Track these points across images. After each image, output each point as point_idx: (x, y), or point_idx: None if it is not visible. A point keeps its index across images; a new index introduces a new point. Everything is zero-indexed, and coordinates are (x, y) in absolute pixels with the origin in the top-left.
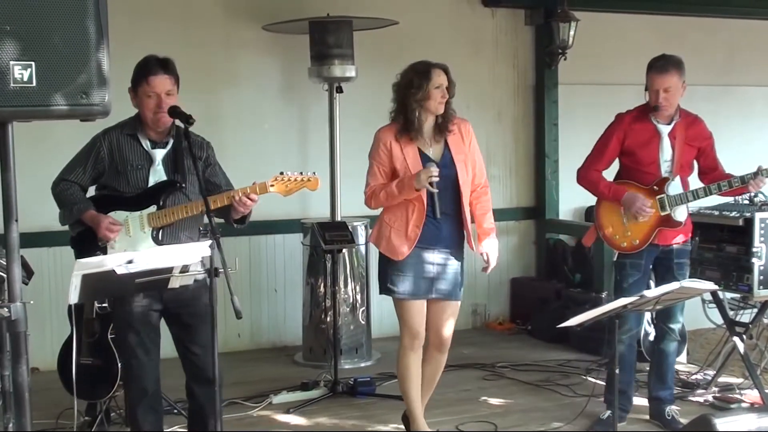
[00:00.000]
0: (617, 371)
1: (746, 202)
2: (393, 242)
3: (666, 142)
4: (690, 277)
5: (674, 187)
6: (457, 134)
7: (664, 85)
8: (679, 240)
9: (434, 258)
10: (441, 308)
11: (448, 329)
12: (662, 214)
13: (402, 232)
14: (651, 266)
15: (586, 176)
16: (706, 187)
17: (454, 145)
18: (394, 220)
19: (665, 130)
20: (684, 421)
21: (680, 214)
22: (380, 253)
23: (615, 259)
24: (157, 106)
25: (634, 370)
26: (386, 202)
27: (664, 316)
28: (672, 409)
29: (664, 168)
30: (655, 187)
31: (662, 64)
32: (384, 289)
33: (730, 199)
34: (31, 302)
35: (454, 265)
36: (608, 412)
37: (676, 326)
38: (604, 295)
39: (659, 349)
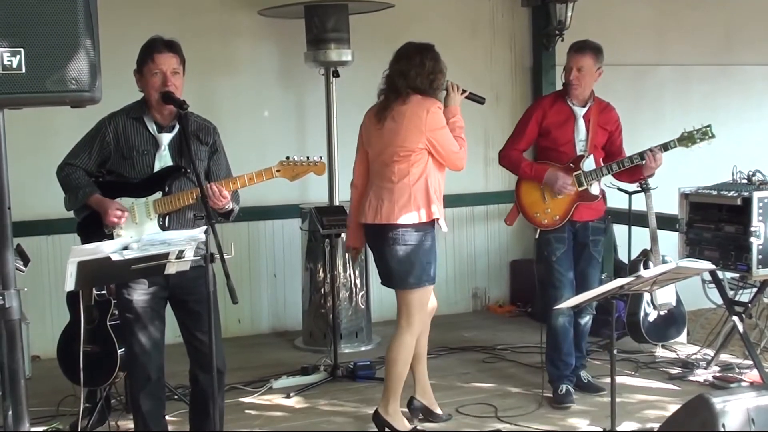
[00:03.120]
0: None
1: (744, 181)
2: (441, 212)
3: (581, 123)
4: (689, 257)
5: (588, 165)
6: None
7: (578, 63)
8: (593, 217)
9: None
10: None
11: None
12: (579, 189)
13: (440, 202)
14: (572, 242)
15: (507, 155)
16: (619, 162)
17: None
18: (435, 190)
19: (580, 111)
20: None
21: (595, 188)
22: (417, 234)
23: (537, 236)
24: (163, 84)
25: (572, 344)
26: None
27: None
28: (586, 373)
29: (579, 147)
30: (571, 164)
31: (580, 45)
32: (427, 280)
33: (728, 179)
34: (25, 290)
35: None
36: (563, 386)
37: (592, 303)
38: (603, 276)
39: (577, 322)
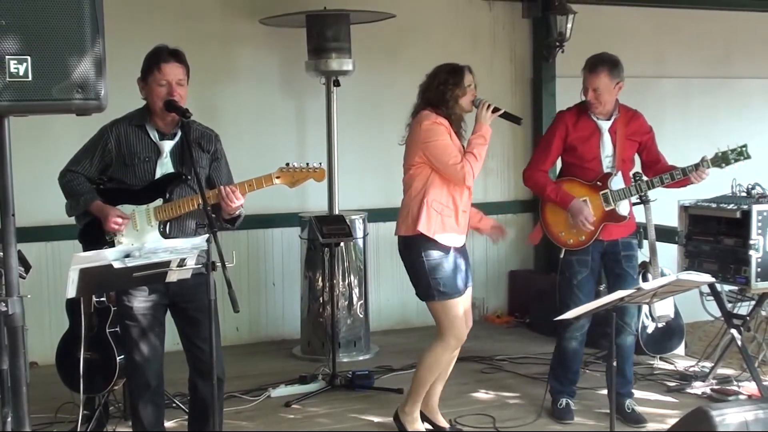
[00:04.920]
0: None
1: (743, 194)
2: (448, 229)
3: (606, 138)
4: (688, 270)
5: (617, 182)
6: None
7: (593, 84)
8: (623, 235)
9: (463, 250)
10: (467, 296)
11: (471, 314)
12: (607, 209)
13: (452, 219)
14: (599, 261)
15: (533, 177)
16: (650, 181)
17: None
18: (442, 207)
19: (605, 125)
20: (639, 410)
21: (623, 208)
22: (423, 249)
23: (561, 256)
24: (169, 94)
25: (581, 362)
26: (482, 162)
27: (620, 312)
28: (631, 402)
29: (606, 163)
30: (598, 182)
31: (593, 64)
32: (437, 294)
33: (727, 191)
34: (29, 296)
35: (467, 252)
36: (563, 400)
37: (631, 321)
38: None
39: (616, 344)
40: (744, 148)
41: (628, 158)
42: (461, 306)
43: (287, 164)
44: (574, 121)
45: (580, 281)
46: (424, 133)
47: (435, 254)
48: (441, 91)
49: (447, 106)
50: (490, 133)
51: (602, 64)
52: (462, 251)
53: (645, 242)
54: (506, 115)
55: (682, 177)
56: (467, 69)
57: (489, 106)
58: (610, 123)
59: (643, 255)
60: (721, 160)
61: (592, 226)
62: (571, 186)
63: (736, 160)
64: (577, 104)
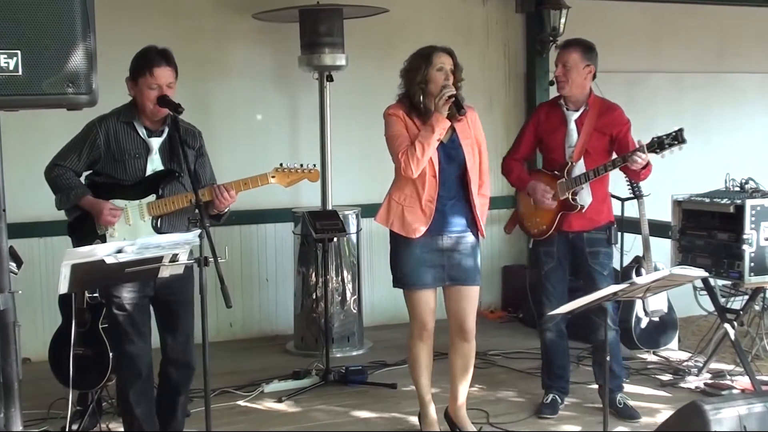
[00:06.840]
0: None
1: (737, 188)
2: (407, 219)
3: (572, 128)
4: (681, 264)
5: (576, 172)
6: (464, 121)
7: (563, 59)
8: (586, 228)
9: (444, 243)
10: (458, 295)
11: (467, 316)
12: (561, 198)
13: (416, 209)
14: (567, 253)
15: (505, 166)
16: (596, 169)
17: (460, 130)
18: (404, 197)
19: (572, 116)
20: (633, 403)
21: (582, 198)
22: (391, 239)
23: (530, 246)
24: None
25: (567, 355)
26: (422, 152)
27: (596, 309)
28: (622, 396)
29: (568, 153)
30: (556, 172)
31: (567, 41)
32: (395, 281)
33: (721, 186)
34: (20, 292)
35: (467, 248)
36: (550, 396)
37: (606, 317)
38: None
39: (597, 340)
40: (679, 133)
41: (594, 150)
42: (421, 299)
43: (281, 164)
44: (546, 112)
45: (547, 272)
46: (384, 125)
47: (398, 243)
48: (406, 79)
49: (410, 94)
50: (444, 122)
51: (576, 43)
52: (442, 246)
53: (636, 238)
54: (456, 103)
55: (621, 163)
56: (439, 51)
57: (442, 94)
58: (578, 114)
59: (635, 250)
60: (657, 145)
61: (552, 199)
62: (537, 176)
63: (671, 145)
64: (554, 97)
